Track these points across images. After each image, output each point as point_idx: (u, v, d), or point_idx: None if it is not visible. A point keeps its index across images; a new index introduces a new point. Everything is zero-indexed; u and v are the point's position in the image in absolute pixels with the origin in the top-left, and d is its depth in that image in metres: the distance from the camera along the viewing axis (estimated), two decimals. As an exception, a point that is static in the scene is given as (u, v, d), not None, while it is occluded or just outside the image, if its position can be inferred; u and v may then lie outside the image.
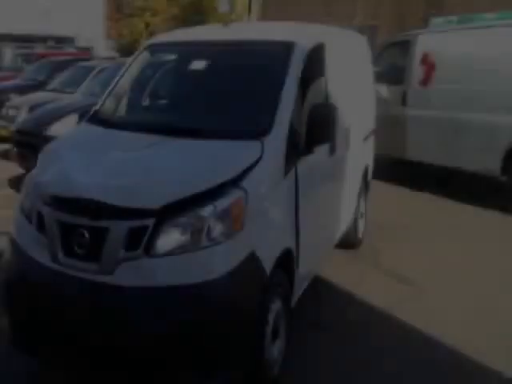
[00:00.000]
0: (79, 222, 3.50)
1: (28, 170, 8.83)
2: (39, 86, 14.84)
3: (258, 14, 39.83)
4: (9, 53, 37.53)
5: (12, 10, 42.26)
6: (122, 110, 5.26)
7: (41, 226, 3.72)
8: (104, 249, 3.40)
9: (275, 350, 3.97)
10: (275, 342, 3.96)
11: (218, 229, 3.40)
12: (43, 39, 44.42)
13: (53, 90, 13.46)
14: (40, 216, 3.74)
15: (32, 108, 11.45)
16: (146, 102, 5.66)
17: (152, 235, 3.35)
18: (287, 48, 4.55)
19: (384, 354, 4.66)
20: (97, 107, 5.11)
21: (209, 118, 4.56)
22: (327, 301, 5.57)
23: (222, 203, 3.44)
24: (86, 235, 3.46)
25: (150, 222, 3.36)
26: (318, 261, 5.33)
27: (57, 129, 8.95)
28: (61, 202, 3.65)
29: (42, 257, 3.65)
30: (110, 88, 5.30)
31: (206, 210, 3.40)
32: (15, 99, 13.77)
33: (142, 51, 5.46)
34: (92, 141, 4.59)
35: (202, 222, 3.37)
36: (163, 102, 5.62)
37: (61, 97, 11.89)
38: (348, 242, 6.74)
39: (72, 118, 9.01)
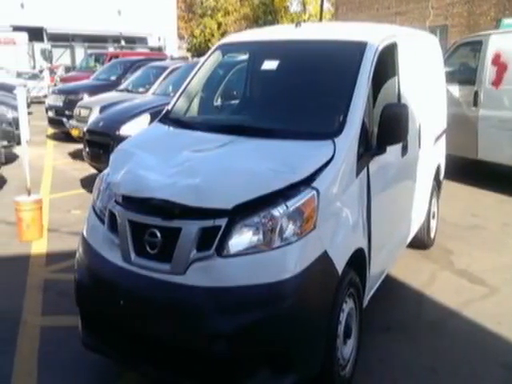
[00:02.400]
0: (151, 221, 3.46)
1: (99, 169, 8.91)
2: (111, 85, 14.69)
3: (330, 13, 39.52)
4: (81, 53, 37.14)
5: (84, 11, 42.33)
6: (194, 110, 5.23)
7: (113, 225, 3.70)
8: (176, 249, 3.34)
9: (347, 350, 3.89)
10: (347, 342, 3.88)
11: (290, 229, 3.33)
12: (115, 39, 44.55)
13: (124, 90, 13.39)
14: (112, 216, 3.72)
15: (103, 108, 11.33)
16: (217, 102, 5.63)
17: (224, 235, 3.30)
18: (359, 48, 4.46)
19: (456, 355, 4.53)
20: (169, 107, 5.08)
21: (280, 118, 4.50)
22: (399, 301, 5.46)
23: (294, 203, 3.38)
24: (158, 235, 3.42)
25: (223, 222, 3.30)
26: (390, 261, 5.22)
27: (128, 129, 8.84)
28: (133, 202, 3.62)
29: (113, 256, 3.63)
30: (181, 88, 5.27)
31: (279, 210, 3.33)
32: (86, 99, 13.68)
33: (214, 51, 5.41)
34: (164, 141, 4.58)
35: (275, 222, 3.31)
36: (235, 102, 5.60)
37: (132, 97, 11.80)
38: (420, 242, 6.59)
39: (144, 118, 8.98)
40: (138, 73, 14.38)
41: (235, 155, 3.88)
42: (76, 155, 12.82)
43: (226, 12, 52.88)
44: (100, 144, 9.10)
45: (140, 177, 3.73)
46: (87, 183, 9.78)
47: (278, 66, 4.73)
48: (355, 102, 4.07)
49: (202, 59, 5.49)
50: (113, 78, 16.02)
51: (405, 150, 4.89)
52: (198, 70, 5.33)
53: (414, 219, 5.76)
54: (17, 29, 38.53)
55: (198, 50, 49.73)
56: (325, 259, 3.40)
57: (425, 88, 5.91)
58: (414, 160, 5.43)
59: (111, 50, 34.24)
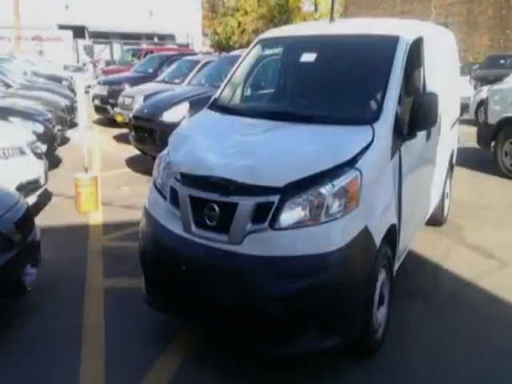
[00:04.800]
0: (210, 197, 3.54)
1: (144, 151, 9.09)
2: (149, 77, 15.09)
3: (338, 13, 39.36)
4: (118, 48, 39.25)
5: (121, 11, 43.95)
6: (239, 97, 5.27)
7: (174, 200, 3.78)
8: (233, 222, 3.43)
9: (380, 315, 3.97)
10: (380, 308, 3.95)
11: (335, 206, 3.41)
12: (148, 36, 46.38)
13: (162, 81, 13.71)
14: (173, 191, 3.80)
15: (147, 97, 11.61)
16: (259, 91, 5.69)
17: (277, 210, 3.38)
18: (392, 41, 4.48)
19: (474, 320, 4.65)
20: (216, 95, 5.11)
21: (322, 106, 4.55)
22: (418, 273, 5.50)
23: (340, 182, 3.44)
24: (216, 209, 3.51)
25: (276, 198, 3.38)
26: (413, 236, 5.27)
27: (170, 115, 8.98)
28: (193, 180, 3.70)
29: (174, 227, 3.73)
30: (227, 78, 5.30)
31: (326, 188, 3.40)
32: (129, 89, 14.04)
33: (255, 45, 5.43)
34: (214, 125, 4.65)
35: (322, 199, 3.38)
36: (276, 91, 5.60)
37: (171, 87, 12.04)
38: (435, 220, 6.61)
39: (184, 106, 9.12)
40: (174, 66, 14.72)
41: (283, 139, 3.97)
42: (120, 138, 13.21)
43: (244, 11, 52.84)
44: (144, 128, 9.33)
45: (199, 157, 3.85)
46: (132, 163, 10.09)
47: (316, 58, 4.75)
48: (390, 90, 4.11)
49: (245, 52, 5.52)
50: (150, 70, 16.43)
51: (428, 135, 4.92)
52: (241, 62, 5.36)
53: (432, 198, 5.79)
54: (62, 27, 41.31)
55: (221, 46, 50.60)
56: (366, 234, 3.48)
57: (444, 79, 5.90)
58: (435, 145, 5.44)
59: (145, 46, 35.01)
